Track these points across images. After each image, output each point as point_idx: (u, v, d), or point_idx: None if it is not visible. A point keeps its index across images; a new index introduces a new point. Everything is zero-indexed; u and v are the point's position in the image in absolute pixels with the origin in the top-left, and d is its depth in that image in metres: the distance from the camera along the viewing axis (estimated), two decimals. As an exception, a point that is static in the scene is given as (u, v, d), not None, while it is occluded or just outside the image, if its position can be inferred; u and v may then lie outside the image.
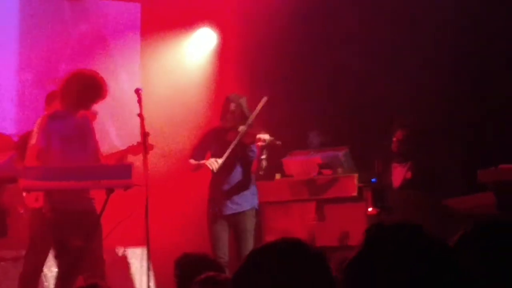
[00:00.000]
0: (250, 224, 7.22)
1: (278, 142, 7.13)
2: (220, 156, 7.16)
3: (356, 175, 7.84)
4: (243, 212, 7.21)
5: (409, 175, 7.71)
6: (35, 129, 6.27)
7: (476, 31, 8.01)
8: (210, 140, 7.31)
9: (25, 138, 7.04)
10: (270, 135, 7.09)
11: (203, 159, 7.26)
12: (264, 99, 7.13)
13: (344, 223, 7.70)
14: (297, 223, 7.87)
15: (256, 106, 7.14)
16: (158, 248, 6.90)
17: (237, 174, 7.25)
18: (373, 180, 7.87)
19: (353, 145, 8.17)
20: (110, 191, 5.92)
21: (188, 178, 8.74)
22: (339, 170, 8.02)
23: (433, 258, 1.67)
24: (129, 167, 5.93)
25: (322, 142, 8.47)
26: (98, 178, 5.89)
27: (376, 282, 1.66)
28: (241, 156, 7.23)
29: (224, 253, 7.04)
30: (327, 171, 8.05)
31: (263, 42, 8.92)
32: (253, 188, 7.33)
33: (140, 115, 6.21)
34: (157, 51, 9.30)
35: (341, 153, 8.08)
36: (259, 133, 7.10)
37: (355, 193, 7.74)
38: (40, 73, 8.57)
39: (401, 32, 8.33)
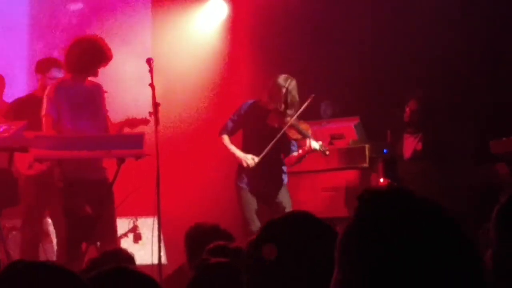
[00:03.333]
0: (286, 198, 7.15)
1: (327, 153, 7.10)
2: (254, 135, 7.08)
3: (367, 146, 7.81)
4: (276, 190, 7.14)
5: (419, 146, 7.66)
6: (44, 100, 6.28)
7: (489, 3, 7.94)
8: (249, 117, 7.16)
9: (21, 102, 7.08)
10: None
11: (235, 133, 7.21)
12: (311, 97, 7.06)
13: (355, 194, 7.69)
14: (309, 194, 7.87)
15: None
16: (169, 218, 6.93)
17: (272, 159, 7.12)
18: (384, 151, 7.84)
19: (365, 116, 8.14)
20: (121, 160, 5.94)
21: (200, 148, 8.75)
22: (351, 140, 7.99)
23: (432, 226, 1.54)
24: (140, 137, 5.94)
25: (334, 112, 8.44)
26: (109, 147, 5.90)
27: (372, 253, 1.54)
28: (281, 148, 7.14)
29: (258, 226, 6.77)
30: (338, 142, 8.03)
31: (274, 13, 8.86)
32: (284, 168, 7.27)
33: (152, 85, 6.19)
34: (168, 21, 9.25)
35: (352, 124, 8.06)
36: (305, 130, 7.05)
37: (366, 164, 7.72)
38: (50, 43, 8.56)
39: (413, 2, 8.26)
